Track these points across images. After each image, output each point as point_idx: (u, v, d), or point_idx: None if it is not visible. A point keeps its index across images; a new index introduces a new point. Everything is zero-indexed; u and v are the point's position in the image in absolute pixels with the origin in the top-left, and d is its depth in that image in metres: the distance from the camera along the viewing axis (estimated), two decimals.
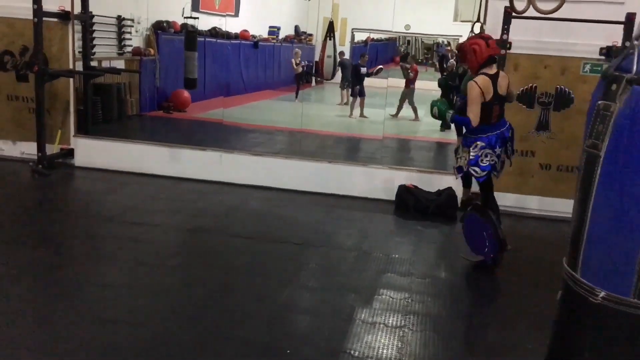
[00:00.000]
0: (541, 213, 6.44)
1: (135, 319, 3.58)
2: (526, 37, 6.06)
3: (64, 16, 7.00)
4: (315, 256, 4.92)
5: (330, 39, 11.29)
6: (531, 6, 3.87)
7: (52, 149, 7.17)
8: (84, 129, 7.47)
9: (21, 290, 3.92)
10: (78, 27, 7.43)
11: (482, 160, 4.52)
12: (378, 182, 6.69)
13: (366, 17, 16.83)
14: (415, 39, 19.43)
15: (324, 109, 14.16)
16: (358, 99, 12.74)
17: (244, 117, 11.93)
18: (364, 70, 12.91)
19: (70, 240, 5.04)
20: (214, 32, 13.93)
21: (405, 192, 6.32)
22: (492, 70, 4.54)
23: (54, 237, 5.05)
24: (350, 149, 9.70)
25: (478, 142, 4.52)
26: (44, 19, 6.72)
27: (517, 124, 6.15)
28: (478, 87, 4.42)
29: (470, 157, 4.53)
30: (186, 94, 11.92)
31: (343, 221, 5.91)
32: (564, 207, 6.27)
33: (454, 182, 6.45)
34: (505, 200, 6.42)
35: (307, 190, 6.73)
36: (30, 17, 6.69)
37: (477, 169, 4.55)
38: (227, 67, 14.32)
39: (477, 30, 8.64)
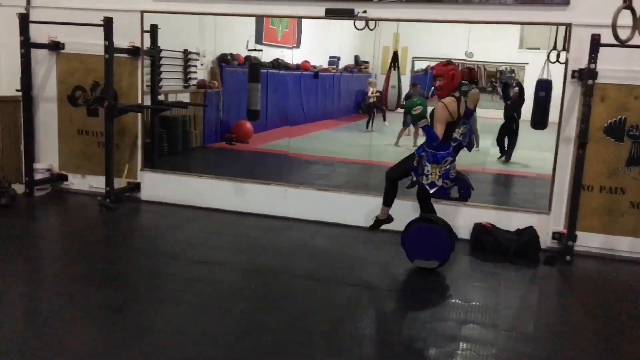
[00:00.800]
0: (633, 255, 5.89)
1: None
2: (614, 66, 5.64)
3: (134, 52, 7.06)
4: (388, 302, 4.60)
5: (394, 69, 11.05)
6: (637, 33, 3.46)
7: (119, 182, 7.18)
8: (150, 162, 7.47)
9: (87, 333, 3.79)
10: (146, 62, 7.48)
11: (451, 173, 4.97)
12: (451, 219, 6.31)
13: (427, 45, 16.56)
14: (477, 67, 19.00)
15: (390, 139, 13.81)
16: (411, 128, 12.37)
17: (307, 148, 11.78)
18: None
19: (136, 279, 4.93)
20: (276, 64, 13.99)
21: (483, 232, 5.93)
22: (457, 94, 5.05)
23: (120, 276, 4.95)
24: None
25: (447, 158, 4.94)
26: (115, 54, 6.77)
27: (605, 159, 5.74)
28: (445, 108, 4.91)
29: (442, 172, 4.91)
30: (249, 125, 11.94)
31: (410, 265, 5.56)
32: None
33: (534, 221, 6.04)
34: (592, 241, 5.96)
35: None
36: (102, 53, 6.77)
37: (447, 181, 4.97)
38: (288, 98, 14.31)
39: (552, 58, 8.33)
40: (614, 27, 3.55)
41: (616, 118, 5.81)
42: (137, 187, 7.30)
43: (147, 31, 7.33)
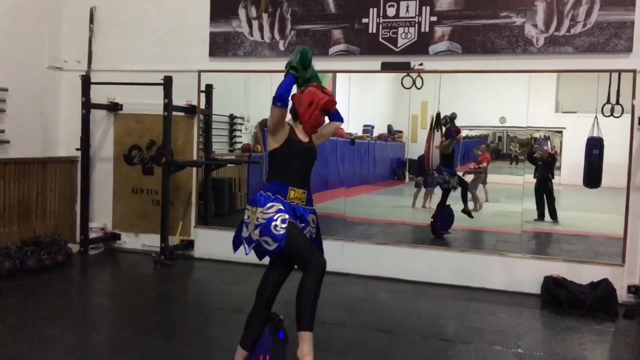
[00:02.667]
0: None
1: None
2: None
3: (191, 110, 7.19)
4: (468, 354, 4.34)
5: (437, 130, 11.06)
6: None
7: (172, 240, 7.13)
8: (203, 220, 7.43)
9: None
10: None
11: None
12: (518, 273, 6.08)
13: (459, 111, 16.62)
14: (507, 134, 18.95)
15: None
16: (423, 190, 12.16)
17: (357, 211, 11.62)
18: None
19: (202, 331, 4.76)
20: None
21: (555, 285, 5.65)
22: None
23: (184, 328, 4.80)
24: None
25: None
26: (172, 113, 6.90)
27: None
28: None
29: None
30: None
31: (488, 315, 5.30)
32: None
33: (607, 274, 5.75)
34: None
35: (437, 282, 6.22)
36: (158, 112, 6.91)
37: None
38: (327, 164, 14.37)
39: (607, 112, 8.23)
40: None
41: None
42: (190, 244, 7.25)
43: (202, 91, 7.48)
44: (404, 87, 9.03)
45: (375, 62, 6.48)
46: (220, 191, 10.18)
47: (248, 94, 11.86)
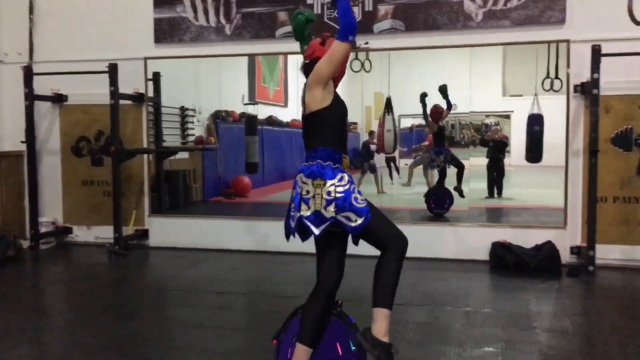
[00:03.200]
0: None
1: None
2: (616, 78, 5.77)
3: (138, 98, 7.12)
4: (420, 315, 4.49)
5: (388, 114, 11.26)
6: None
7: (126, 231, 7.06)
8: (157, 209, 7.39)
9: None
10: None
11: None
12: (468, 241, 6.27)
13: (412, 102, 16.88)
14: (459, 122, 19.33)
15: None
16: (371, 175, 12.38)
17: None
18: (373, 147, 12.78)
19: (160, 310, 4.78)
20: (270, 121, 14.17)
21: (502, 249, 5.87)
22: None
23: (142, 308, 4.81)
24: None
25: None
26: (120, 102, 6.82)
27: (616, 169, 5.79)
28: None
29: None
30: (247, 180, 11.92)
31: (439, 282, 5.47)
32: None
33: (551, 237, 5.99)
34: (611, 253, 5.91)
35: None
36: (105, 102, 6.82)
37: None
38: (283, 154, 14.44)
39: (547, 87, 8.52)
40: (630, 10, 3.62)
41: (622, 128, 5.91)
42: (145, 234, 7.19)
43: (150, 79, 7.41)
44: (353, 70, 9.15)
45: None
46: (175, 183, 10.10)
47: (198, 85, 11.80)
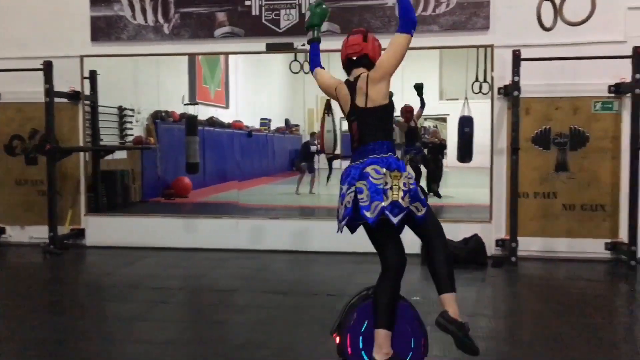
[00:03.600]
0: (570, 255, 6.25)
1: None
2: (535, 81, 6.17)
3: (74, 97, 7.06)
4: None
5: (328, 115, 11.49)
6: (555, 27, 3.91)
7: (62, 231, 6.98)
8: (94, 209, 7.34)
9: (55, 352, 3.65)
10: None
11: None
12: (402, 236, 6.52)
13: None
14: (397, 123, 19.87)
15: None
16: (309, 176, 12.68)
17: (252, 199, 11.83)
18: (313, 148, 13.12)
19: (96, 305, 4.80)
20: (211, 122, 14.17)
21: None
22: (353, 74, 3.22)
23: (77, 305, 4.82)
24: None
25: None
26: (55, 100, 6.75)
27: (536, 166, 6.18)
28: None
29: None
30: (187, 180, 11.90)
31: (374, 274, 5.69)
32: (591, 247, 6.18)
33: (478, 230, 6.33)
34: (532, 245, 6.30)
35: (329, 251, 6.55)
36: (39, 100, 6.74)
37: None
38: (225, 155, 14.45)
39: (476, 89, 8.95)
40: (538, 17, 3.95)
41: (542, 128, 6.32)
42: (81, 233, 7.12)
43: (86, 78, 7.36)
44: (292, 72, 9.31)
45: (260, 44, 6.70)
46: (112, 183, 9.98)
47: (137, 85, 11.70)
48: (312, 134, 14.01)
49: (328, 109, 11.65)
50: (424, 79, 17.24)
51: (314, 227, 6.80)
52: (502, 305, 4.81)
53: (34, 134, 7.20)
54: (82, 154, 7.17)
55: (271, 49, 6.70)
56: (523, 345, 3.74)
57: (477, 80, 8.81)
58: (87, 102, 7.35)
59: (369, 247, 6.00)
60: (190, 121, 11.13)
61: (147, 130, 12.03)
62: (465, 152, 10.70)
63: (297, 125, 19.30)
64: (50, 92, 6.63)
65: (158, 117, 12.16)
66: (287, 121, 19.11)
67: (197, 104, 12.74)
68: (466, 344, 2.93)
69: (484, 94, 8.48)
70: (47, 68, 6.60)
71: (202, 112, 13.81)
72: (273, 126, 18.05)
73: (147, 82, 11.74)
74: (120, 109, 11.06)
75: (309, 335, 3.94)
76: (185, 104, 12.31)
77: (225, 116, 15.37)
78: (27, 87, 6.94)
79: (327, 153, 12.29)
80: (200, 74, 14.46)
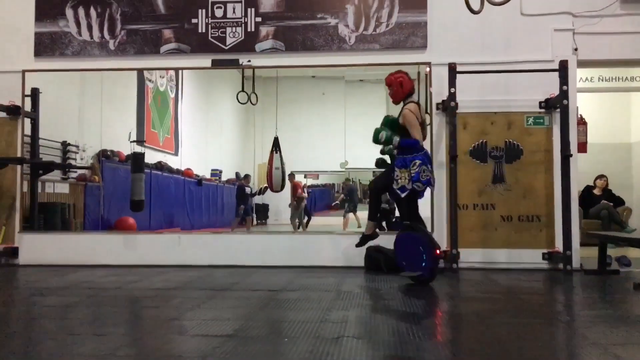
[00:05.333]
0: (510, 266, 6.35)
1: None
2: (471, 97, 6.46)
3: (14, 111, 6.93)
4: (292, 295, 4.61)
5: (276, 152, 11.61)
6: (483, 9, 4.14)
7: None
8: (30, 225, 7.07)
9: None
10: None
11: (422, 175, 5.12)
12: (345, 249, 6.53)
13: (304, 160, 17.41)
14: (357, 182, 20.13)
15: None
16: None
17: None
18: (248, 190, 13.27)
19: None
20: (160, 166, 14.04)
21: (374, 252, 6.17)
22: (414, 99, 5.42)
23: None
24: None
25: (416, 160, 5.13)
26: None
27: (474, 179, 6.37)
28: (412, 112, 5.24)
29: (412, 174, 5.11)
30: (131, 221, 11.60)
31: (315, 279, 5.64)
32: (529, 257, 6.31)
33: None
34: (473, 256, 6.38)
35: (272, 265, 6.46)
36: None
37: (419, 183, 5.14)
38: (172, 201, 14.25)
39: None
40: (466, 1, 4.17)
41: (478, 142, 6.55)
42: (14, 252, 6.82)
43: (27, 95, 7.25)
44: (240, 102, 9.44)
45: (205, 60, 6.81)
46: (52, 215, 9.65)
47: (82, 121, 11.56)
48: (246, 176, 14.14)
49: (276, 146, 11.81)
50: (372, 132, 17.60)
51: (252, 240, 6.73)
52: (444, 306, 4.78)
53: None
54: (18, 170, 6.97)
55: (217, 64, 6.81)
56: (464, 346, 3.66)
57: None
58: (27, 118, 7.19)
59: (314, 261, 5.98)
60: (136, 157, 10.99)
61: (92, 168, 11.81)
62: None
63: (248, 176, 19.29)
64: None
65: (104, 156, 11.98)
66: (237, 174, 19.15)
67: (144, 141, 12.64)
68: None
69: (427, 124, 8.74)
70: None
71: (150, 156, 13.68)
72: (224, 177, 18.02)
73: (92, 120, 11.61)
74: (64, 144, 10.87)
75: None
76: (131, 141, 12.19)
77: (174, 163, 15.28)
78: None
79: (275, 190, 12.35)
80: (149, 118, 14.42)
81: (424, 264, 5.09)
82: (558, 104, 6.14)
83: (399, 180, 5.16)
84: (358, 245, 5.74)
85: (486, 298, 4.76)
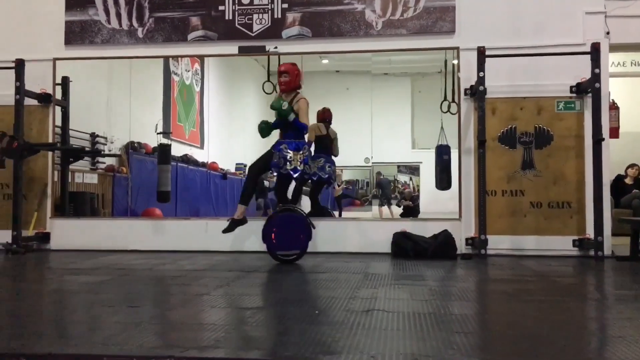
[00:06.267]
0: (538, 253, 6.26)
1: None
2: (500, 82, 6.37)
3: (45, 99, 7.04)
4: (322, 276, 4.62)
5: None
6: None
7: (27, 234, 6.78)
8: (61, 211, 7.19)
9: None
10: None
11: (309, 162, 5.61)
12: (371, 235, 6.52)
13: None
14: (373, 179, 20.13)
15: None
16: None
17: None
18: (266, 183, 13.20)
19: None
20: (186, 159, 14.16)
21: (402, 237, 6.15)
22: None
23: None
24: None
25: (306, 146, 5.61)
26: (25, 103, 6.72)
27: (503, 165, 6.29)
28: (307, 104, 5.62)
29: (303, 158, 5.48)
30: (158, 212, 11.73)
31: (342, 263, 5.64)
32: (559, 244, 6.22)
33: (448, 227, 6.34)
34: (501, 243, 6.31)
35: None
36: (8, 103, 6.71)
37: (307, 166, 5.58)
38: (198, 193, 14.36)
39: (444, 109, 9.18)
40: None
41: (507, 127, 6.47)
42: (46, 237, 6.94)
43: (58, 84, 7.36)
44: (265, 92, 9.45)
45: (232, 47, 6.84)
46: (81, 205, 9.80)
47: (110, 114, 11.73)
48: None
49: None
50: (398, 131, 17.74)
51: None
52: (475, 286, 4.73)
53: (2, 137, 7.10)
54: (50, 156, 7.09)
55: (243, 51, 6.84)
56: (493, 319, 3.61)
57: (445, 99, 9.02)
58: (58, 106, 7.31)
59: (340, 247, 5.94)
60: (163, 149, 11.11)
61: (120, 160, 11.97)
62: (443, 180, 10.82)
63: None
64: (20, 89, 6.61)
65: (131, 148, 12.13)
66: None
67: (170, 133, 12.75)
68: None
69: (452, 113, 8.68)
70: (19, 66, 6.61)
71: (176, 149, 13.81)
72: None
73: (121, 112, 11.76)
74: (93, 135, 11.02)
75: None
76: (158, 133, 12.31)
77: (200, 156, 15.39)
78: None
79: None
80: (175, 111, 14.56)
81: (300, 241, 5.47)
82: (589, 88, 6.04)
83: (292, 162, 5.42)
84: (225, 230, 5.76)
85: (516, 279, 4.71)
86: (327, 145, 7.56)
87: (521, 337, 2.71)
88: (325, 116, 7.89)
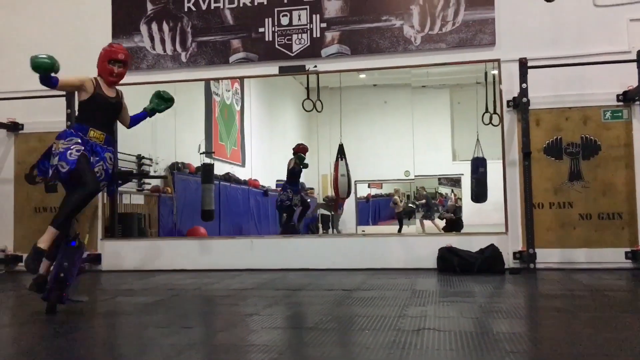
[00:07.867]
0: (590, 266, 6.11)
1: None
2: (543, 93, 6.29)
3: None
4: (367, 294, 4.61)
5: (341, 160, 11.66)
6: None
7: None
8: (111, 232, 7.40)
9: None
10: None
11: (71, 155, 4.03)
12: (416, 251, 6.48)
13: (364, 167, 17.40)
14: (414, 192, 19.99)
15: None
16: None
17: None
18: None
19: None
20: (227, 177, 14.37)
21: (447, 253, 6.09)
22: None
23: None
24: None
25: (73, 138, 4.16)
26: None
27: (549, 177, 6.19)
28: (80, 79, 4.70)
29: (62, 149, 4.08)
30: (203, 230, 11.91)
31: (387, 279, 5.62)
32: (611, 256, 6.05)
33: (495, 242, 6.25)
34: (550, 256, 6.19)
35: (342, 267, 6.47)
36: (59, 130, 6.91)
37: (64, 163, 4.03)
38: (240, 211, 14.54)
39: (486, 120, 9.08)
40: None
41: (553, 138, 6.36)
42: (97, 258, 7.14)
43: None
44: (305, 110, 9.56)
45: (273, 67, 6.96)
46: (129, 225, 10.05)
47: (155, 135, 12.02)
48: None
49: (341, 153, 11.87)
50: (439, 142, 17.63)
51: (322, 244, 6.78)
52: (524, 302, 4.64)
53: None
54: None
55: (284, 71, 6.94)
56: (545, 337, 3.53)
57: (487, 111, 8.93)
58: None
59: (384, 263, 5.97)
60: (206, 169, 11.33)
61: (165, 180, 12.24)
62: (480, 192, 10.69)
63: (312, 188, 19.46)
64: (71, 117, 6.85)
65: (175, 168, 12.39)
66: (302, 184, 19.30)
67: (213, 152, 12.98)
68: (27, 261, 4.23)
69: (494, 125, 8.59)
70: (69, 94, 6.86)
71: (219, 168, 14.05)
72: None
73: (165, 134, 12.04)
74: (139, 157, 11.32)
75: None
76: (201, 153, 12.56)
77: (241, 174, 15.59)
78: (49, 117, 7.19)
79: (341, 198, 12.39)
80: (216, 130, 14.82)
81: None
82: (637, 96, 5.90)
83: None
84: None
85: (568, 295, 4.61)
86: None
87: (579, 358, 2.65)
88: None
